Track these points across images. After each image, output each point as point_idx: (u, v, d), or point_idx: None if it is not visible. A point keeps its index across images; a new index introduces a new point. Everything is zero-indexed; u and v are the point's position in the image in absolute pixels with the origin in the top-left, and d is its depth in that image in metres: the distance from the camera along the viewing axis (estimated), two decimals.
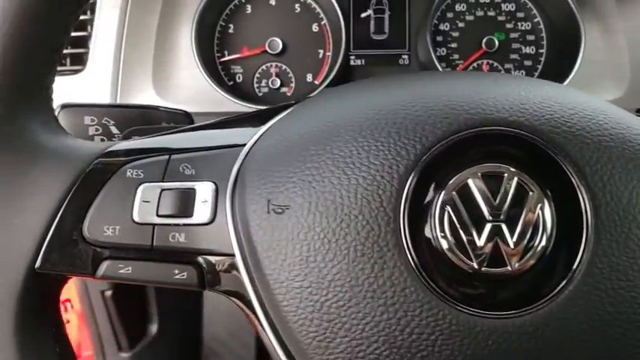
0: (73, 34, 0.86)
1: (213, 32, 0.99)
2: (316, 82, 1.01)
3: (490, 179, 0.34)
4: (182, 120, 0.61)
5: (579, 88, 0.87)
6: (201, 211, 0.38)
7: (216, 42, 0.99)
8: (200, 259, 0.38)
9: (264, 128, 0.40)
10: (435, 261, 0.36)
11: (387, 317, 0.34)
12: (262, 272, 0.37)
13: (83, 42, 0.85)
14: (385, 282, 0.35)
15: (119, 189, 0.38)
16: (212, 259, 0.38)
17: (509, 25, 1.01)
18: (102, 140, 0.56)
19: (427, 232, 0.37)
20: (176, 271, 0.37)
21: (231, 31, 1.00)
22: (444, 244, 0.36)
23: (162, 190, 0.40)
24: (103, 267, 0.37)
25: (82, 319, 0.99)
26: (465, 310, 0.32)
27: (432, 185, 0.37)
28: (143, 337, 0.98)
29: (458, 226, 0.36)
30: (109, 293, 0.87)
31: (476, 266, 0.35)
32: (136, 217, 0.38)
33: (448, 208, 0.36)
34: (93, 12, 0.84)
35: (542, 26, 1.00)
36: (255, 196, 0.38)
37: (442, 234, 0.36)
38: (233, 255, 0.37)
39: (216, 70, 0.98)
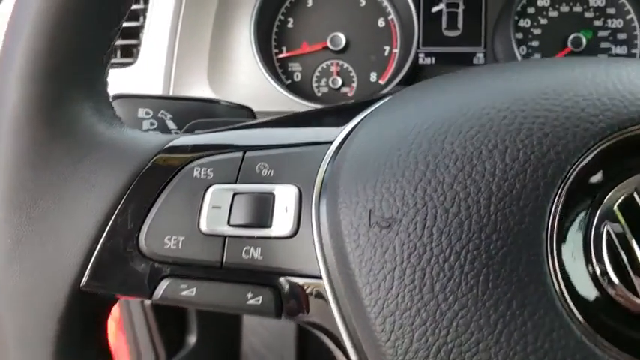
0: (125, 24, 0.81)
1: (271, 27, 0.92)
2: (381, 82, 0.93)
3: None
4: (246, 116, 0.54)
5: None
6: (282, 222, 0.31)
7: (274, 37, 0.93)
8: (279, 280, 0.30)
9: (355, 121, 0.32)
10: (592, 299, 0.27)
11: None
12: (359, 303, 0.29)
13: (135, 33, 0.79)
14: (525, 322, 0.27)
15: (184, 191, 0.31)
16: (294, 280, 0.30)
17: (597, 23, 0.91)
18: None
19: (579, 260, 0.28)
20: (249, 295, 0.30)
21: (290, 25, 0.93)
22: (604, 278, 0.27)
23: (236, 194, 0.33)
24: (162, 287, 0.30)
25: (119, 325, 0.94)
26: None
27: (587, 199, 0.28)
28: (181, 348, 0.92)
29: (622, 253, 0.27)
30: (148, 302, 0.81)
31: None
32: (203, 227, 0.30)
33: (608, 226, 0.27)
34: (147, 1, 0.79)
35: (635, 24, 0.90)
36: (352, 205, 0.30)
37: (600, 265, 0.27)
38: (320, 277, 0.29)
39: (274, 68, 0.91)
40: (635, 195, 0.28)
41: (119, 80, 0.79)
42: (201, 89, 0.81)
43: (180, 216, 0.32)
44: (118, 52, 0.81)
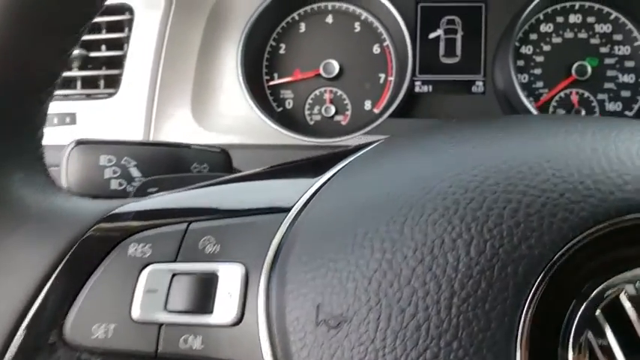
0: (107, 53, 0.78)
1: (262, 53, 0.89)
2: (375, 111, 0.89)
3: None
4: (218, 160, 0.50)
5: None
6: (225, 308, 0.27)
7: (265, 63, 0.89)
8: None
9: (316, 186, 0.29)
10: None
11: None
12: None
13: (118, 62, 0.76)
14: None
15: (117, 272, 0.28)
16: None
17: (603, 49, 0.87)
18: (120, 185, 0.46)
19: None
20: None
21: (282, 51, 0.90)
22: None
23: (175, 274, 0.29)
24: None
25: None
26: None
27: (565, 302, 0.24)
28: None
29: None
30: None
31: None
32: (136, 313, 0.27)
33: (589, 334, 0.24)
34: (130, 29, 0.76)
35: None
36: (300, 297, 0.27)
37: None
38: None
39: (264, 96, 0.88)
40: (622, 297, 0.24)
41: (101, 112, 0.76)
42: (184, 120, 0.78)
43: (112, 301, 0.28)
44: (102, 82, 0.78)
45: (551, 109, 0.87)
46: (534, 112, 0.77)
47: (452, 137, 0.32)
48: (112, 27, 0.75)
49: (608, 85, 0.86)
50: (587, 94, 0.86)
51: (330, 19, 0.89)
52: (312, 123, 0.89)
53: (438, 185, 0.27)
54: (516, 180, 0.26)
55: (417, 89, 0.88)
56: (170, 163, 0.48)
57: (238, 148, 0.72)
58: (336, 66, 0.86)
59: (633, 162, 0.26)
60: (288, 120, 0.88)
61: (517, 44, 0.86)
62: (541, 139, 0.29)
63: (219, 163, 0.51)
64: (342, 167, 0.33)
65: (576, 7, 0.86)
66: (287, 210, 0.31)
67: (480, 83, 0.88)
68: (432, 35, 0.88)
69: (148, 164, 0.47)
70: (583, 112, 0.85)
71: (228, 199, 0.34)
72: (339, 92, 0.89)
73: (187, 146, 0.50)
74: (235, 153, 0.66)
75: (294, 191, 0.33)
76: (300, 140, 0.77)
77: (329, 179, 0.33)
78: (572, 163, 0.26)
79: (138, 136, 0.73)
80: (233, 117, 0.80)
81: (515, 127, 0.32)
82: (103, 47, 0.76)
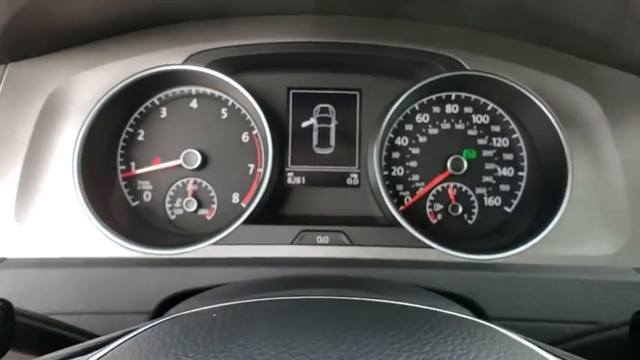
0: None
1: (117, 140, 0.80)
2: (243, 205, 0.81)
3: None
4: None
5: (567, 232, 0.68)
6: None
7: (120, 152, 0.80)
8: None
9: None
10: None
11: None
12: None
13: None
14: None
15: None
16: None
17: (481, 141, 0.83)
18: None
19: None
20: None
21: (141, 138, 0.81)
22: None
23: None
24: None
25: None
26: None
27: None
28: None
29: None
30: None
31: None
32: None
33: None
34: None
35: (522, 144, 0.82)
36: None
37: None
38: None
39: (118, 188, 0.79)
40: None
41: None
42: (4, 227, 0.67)
43: None
44: None
45: (428, 204, 0.81)
46: (396, 214, 0.72)
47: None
48: None
49: (486, 179, 0.82)
50: (465, 187, 0.82)
51: (194, 103, 0.81)
52: (173, 217, 0.80)
53: None
54: None
55: (288, 181, 0.82)
56: None
57: (59, 264, 0.62)
58: (198, 156, 0.78)
59: None
60: (146, 214, 0.79)
61: (392, 135, 0.82)
62: None
63: None
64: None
65: (452, 97, 0.82)
66: None
67: (355, 175, 0.82)
68: (304, 124, 0.82)
69: None
70: (460, 209, 0.81)
71: None
72: (204, 183, 0.81)
73: None
74: (52, 273, 0.57)
75: None
76: (135, 252, 0.67)
77: None
78: None
79: None
80: (63, 225, 0.70)
81: None
82: None
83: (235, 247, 0.69)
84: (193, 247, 0.68)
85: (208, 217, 0.81)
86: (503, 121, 0.83)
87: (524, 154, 0.82)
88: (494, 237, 0.80)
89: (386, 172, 0.81)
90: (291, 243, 0.70)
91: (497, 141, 0.83)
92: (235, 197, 0.81)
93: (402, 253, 0.70)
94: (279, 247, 0.70)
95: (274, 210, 0.79)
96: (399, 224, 0.71)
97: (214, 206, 0.81)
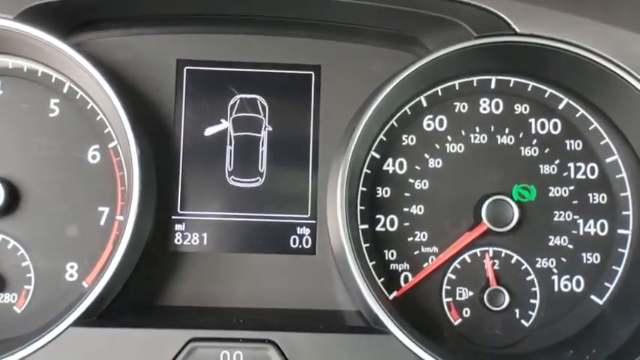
0: None
1: None
2: (84, 284, 0.54)
3: None
4: None
5: None
6: None
7: None
8: None
9: None
10: None
11: None
12: None
13: None
14: None
15: None
16: None
17: (547, 169, 0.55)
18: None
19: None
20: None
21: None
22: None
23: None
24: None
25: None
26: None
27: None
28: None
29: None
30: None
31: None
32: None
33: None
34: None
35: (624, 174, 0.56)
36: None
37: None
38: None
39: None
40: None
41: None
42: None
43: None
44: None
45: (445, 287, 0.57)
46: (381, 307, 0.49)
47: None
48: None
49: (557, 241, 0.55)
50: (516, 257, 0.56)
51: None
52: None
53: None
54: None
55: (175, 241, 0.55)
56: None
57: None
58: None
59: None
60: None
61: (376, 155, 0.57)
62: None
63: None
64: None
65: (492, 84, 0.57)
66: None
67: (306, 231, 0.56)
68: (210, 131, 0.55)
69: None
70: (506, 298, 0.56)
71: None
72: (12, 243, 0.54)
73: None
74: None
75: None
76: None
77: None
78: None
79: None
80: None
81: None
82: None
83: None
84: None
85: (17, 309, 0.52)
86: (590, 130, 0.55)
87: (627, 193, 0.55)
88: (572, 355, 0.54)
89: (364, 226, 0.55)
90: None
91: (577, 169, 0.56)
92: (71, 270, 0.52)
93: None
94: None
95: (145, 297, 0.52)
96: (385, 328, 0.48)
97: (29, 287, 0.51)
